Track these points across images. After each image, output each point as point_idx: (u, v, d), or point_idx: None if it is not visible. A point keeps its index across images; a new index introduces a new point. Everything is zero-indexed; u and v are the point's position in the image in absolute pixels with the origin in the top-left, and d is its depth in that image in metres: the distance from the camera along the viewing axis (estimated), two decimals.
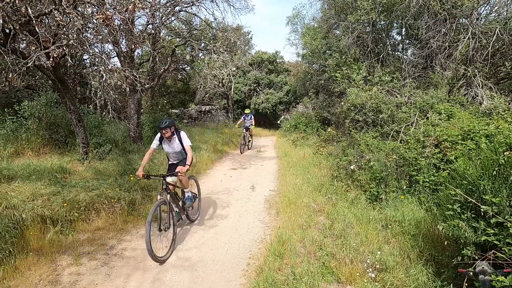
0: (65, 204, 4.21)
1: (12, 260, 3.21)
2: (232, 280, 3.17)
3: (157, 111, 12.12)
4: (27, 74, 8.87)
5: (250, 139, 11.55)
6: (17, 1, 2.84)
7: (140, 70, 9.32)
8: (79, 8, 3.69)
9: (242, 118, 11.43)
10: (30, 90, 9.51)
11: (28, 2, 2.98)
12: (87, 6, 3.23)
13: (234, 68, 9.78)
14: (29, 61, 3.06)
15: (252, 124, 11.22)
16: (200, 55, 13.13)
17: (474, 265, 2.19)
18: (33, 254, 3.41)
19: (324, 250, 3.47)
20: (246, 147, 11.31)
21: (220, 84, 17.19)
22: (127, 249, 3.80)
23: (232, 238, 4.12)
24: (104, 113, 9.54)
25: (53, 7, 3.12)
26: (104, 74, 4.32)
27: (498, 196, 2.33)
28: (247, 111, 11.37)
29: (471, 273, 2.02)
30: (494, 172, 2.48)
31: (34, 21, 2.97)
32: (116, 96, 5.84)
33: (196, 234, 4.25)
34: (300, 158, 8.50)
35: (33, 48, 3.21)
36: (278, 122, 15.27)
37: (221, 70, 9.72)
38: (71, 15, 3.02)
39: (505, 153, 2.51)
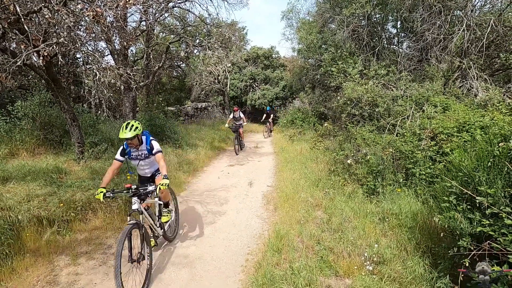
0: (62, 204, 4.18)
1: (9, 262, 3.19)
2: (231, 276, 3.18)
3: (153, 109, 12.04)
4: (19, 73, 8.75)
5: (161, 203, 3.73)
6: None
7: (134, 68, 9.23)
8: (71, 6, 3.63)
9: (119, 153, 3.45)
10: (23, 90, 9.38)
11: (16, 0, 2.93)
12: (77, 3, 3.17)
13: (229, 64, 9.73)
14: (18, 60, 3.00)
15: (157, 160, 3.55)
16: (195, 51, 13.03)
17: (470, 256, 2.21)
18: (30, 255, 3.39)
19: (322, 245, 3.49)
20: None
21: (216, 81, 17.09)
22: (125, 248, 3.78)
23: (231, 235, 4.13)
24: (99, 112, 9.47)
25: (43, 4, 3.06)
26: (97, 73, 4.26)
27: (493, 187, 2.34)
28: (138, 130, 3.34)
29: (471, 274, 2.02)
30: (489, 164, 2.49)
31: (23, 19, 2.91)
32: (111, 94, 5.79)
33: (194, 232, 4.25)
34: (297, 153, 8.51)
35: (22, 46, 3.15)
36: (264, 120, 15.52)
37: (216, 66, 9.65)
38: (60, 13, 2.96)
39: (499, 144, 2.52)
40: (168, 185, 3.14)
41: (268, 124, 15.16)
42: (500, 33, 6.79)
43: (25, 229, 3.64)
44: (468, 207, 2.49)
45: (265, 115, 15.42)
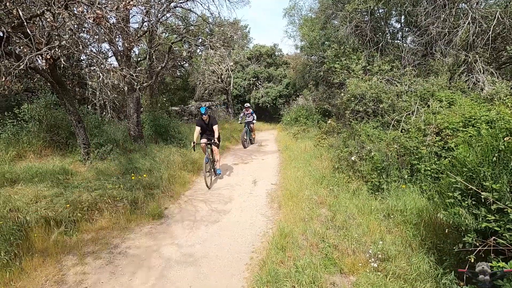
0: (68, 205, 4.24)
1: (17, 262, 3.25)
2: (235, 274, 3.20)
3: (157, 109, 12.11)
4: (25, 77, 8.88)
5: None
6: (7, 3, 2.82)
7: (137, 68, 9.29)
8: (74, 9, 3.66)
9: None
10: (29, 93, 9.53)
11: (19, 4, 2.96)
12: (78, 6, 3.19)
13: (232, 63, 9.73)
14: (21, 63, 3.05)
15: None
16: (197, 51, 13.06)
17: (475, 252, 2.19)
18: (38, 255, 3.45)
19: (326, 242, 3.49)
20: None
21: (219, 80, 17.12)
22: (131, 247, 3.84)
23: (235, 233, 4.15)
24: (103, 113, 9.56)
25: (45, 8, 3.10)
26: (101, 75, 4.30)
27: (499, 182, 2.31)
28: None
29: (471, 274, 1.99)
30: (494, 158, 2.45)
31: (26, 23, 2.95)
32: (115, 95, 5.84)
33: (199, 231, 4.27)
34: (301, 151, 8.49)
35: (26, 50, 3.19)
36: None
37: (219, 65, 9.67)
38: (62, 16, 2.99)
39: (505, 139, 2.48)
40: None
41: (208, 145, 6.44)
42: (507, 25, 6.66)
43: (33, 229, 3.71)
44: (473, 202, 2.46)
45: (198, 128, 6.47)
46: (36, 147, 6.81)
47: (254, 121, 11.39)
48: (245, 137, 10.84)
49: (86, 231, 4.14)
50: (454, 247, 2.46)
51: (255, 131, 11.88)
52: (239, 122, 11.80)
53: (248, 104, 11.60)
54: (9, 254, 3.25)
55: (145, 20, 7.83)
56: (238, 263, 3.40)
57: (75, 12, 3.28)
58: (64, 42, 3.09)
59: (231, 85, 15.18)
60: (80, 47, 3.82)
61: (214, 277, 3.16)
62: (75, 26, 3.61)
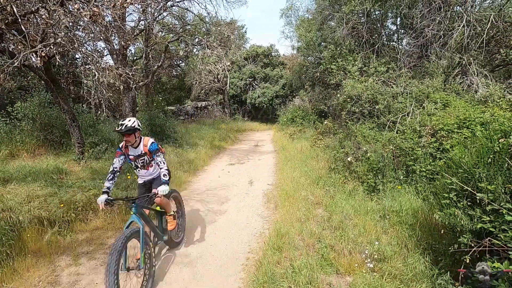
0: (62, 205, 4.19)
1: (10, 263, 3.19)
2: (231, 275, 3.18)
3: (153, 108, 12.04)
4: (19, 74, 8.75)
5: None
6: (1, 0, 2.77)
7: (133, 67, 9.22)
8: (69, 6, 3.61)
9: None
10: (23, 91, 9.39)
11: (13, 0, 2.91)
12: (74, 3, 3.16)
13: (229, 63, 9.72)
14: (15, 61, 3.00)
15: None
16: (194, 50, 13.01)
17: (471, 253, 2.21)
18: (31, 255, 3.40)
19: (322, 242, 3.49)
20: None
21: (216, 80, 17.08)
22: None
23: (231, 233, 4.13)
24: (98, 112, 9.46)
25: (40, 5, 3.05)
26: (96, 73, 4.25)
27: (494, 184, 2.33)
28: None
29: (470, 274, 2.00)
30: (489, 160, 2.48)
31: (20, 20, 2.90)
32: (110, 94, 5.79)
33: (196, 231, 4.25)
34: (298, 151, 8.50)
35: (19, 47, 3.14)
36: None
37: (215, 65, 9.64)
38: (57, 13, 2.95)
39: (499, 140, 2.51)
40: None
41: None
42: (500, 28, 6.76)
43: (26, 230, 3.64)
44: (469, 203, 2.49)
45: None
46: (30, 146, 6.72)
47: (166, 177, 3.18)
48: (145, 253, 2.98)
49: (80, 231, 4.09)
50: (450, 248, 2.48)
51: (169, 206, 3.57)
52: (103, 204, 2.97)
53: (134, 123, 3.12)
54: (1, 255, 3.20)
55: (141, 18, 7.79)
56: (234, 264, 3.39)
57: (71, 9, 3.24)
58: (59, 39, 3.05)
59: (228, 85, 15.14)
60: (76, 45, 3.77)
61: (210, 278, 3.14)
62: (71, 23, 3.57)
